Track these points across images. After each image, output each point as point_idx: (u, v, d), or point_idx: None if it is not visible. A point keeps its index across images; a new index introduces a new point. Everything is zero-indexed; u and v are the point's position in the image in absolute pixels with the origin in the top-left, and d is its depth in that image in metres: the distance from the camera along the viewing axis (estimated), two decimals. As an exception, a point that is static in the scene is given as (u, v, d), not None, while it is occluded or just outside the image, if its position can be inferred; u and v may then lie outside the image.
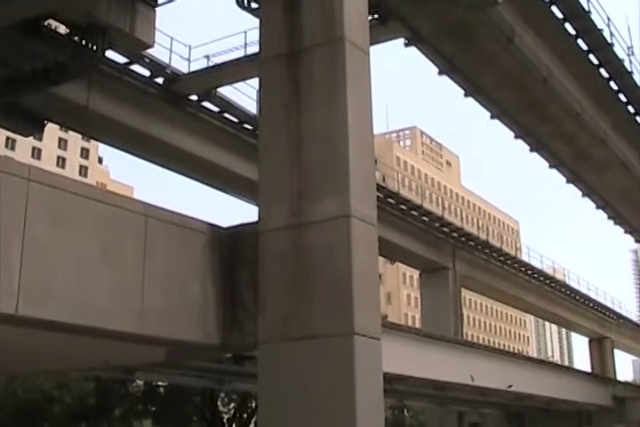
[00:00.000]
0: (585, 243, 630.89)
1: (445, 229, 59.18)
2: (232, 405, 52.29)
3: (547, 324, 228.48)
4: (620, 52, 41.74)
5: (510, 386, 45.72)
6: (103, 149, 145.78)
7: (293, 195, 19.29)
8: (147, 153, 39.43)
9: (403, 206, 54.39)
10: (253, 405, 47.35)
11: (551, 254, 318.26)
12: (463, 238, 61.14)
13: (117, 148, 39.00)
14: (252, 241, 19.55)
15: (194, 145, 38.49)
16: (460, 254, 60.90)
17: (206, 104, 38.03)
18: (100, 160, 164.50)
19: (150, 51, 32.52)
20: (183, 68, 36.27)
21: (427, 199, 68.72)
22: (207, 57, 36.51)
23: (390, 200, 52.62)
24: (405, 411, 69.26)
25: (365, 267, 18.73)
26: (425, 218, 56.84)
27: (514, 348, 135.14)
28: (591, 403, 57.95)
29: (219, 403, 51.72)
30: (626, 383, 74.46)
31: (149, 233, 17.85)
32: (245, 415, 50.84)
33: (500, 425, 59.98)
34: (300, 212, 19.07)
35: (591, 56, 40.07)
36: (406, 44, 34.40)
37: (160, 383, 48.31)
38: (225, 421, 52.23)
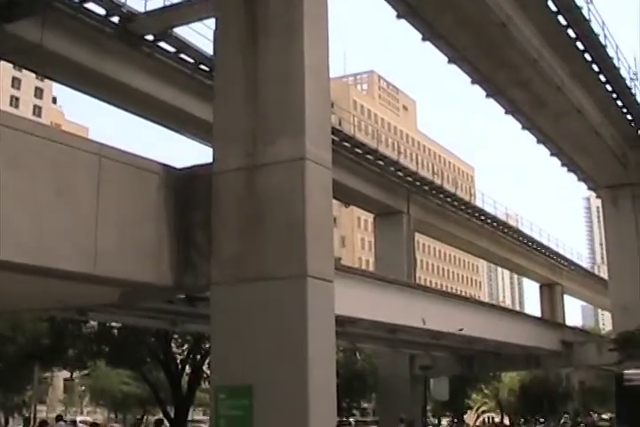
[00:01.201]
0: (539, 191, 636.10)
1: (400, 174, 59.32)
2: (186, 346, 52.38)
3: (499, 269, 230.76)
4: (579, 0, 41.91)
5: (461, 330, 46.32)
6: (58, 89, 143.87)
7: (248, 136, 19.24)
8: (102, 93, 39.06)
9: (358, 150, 54.36)
10: (207, 346, 47.53)
11: (505, 201, 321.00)
12: (418, 183, 61.34)
13: (72, 87, 38.60)
14: (207, 182, 19.52)
15: (150, 85, 38.16)
16: (415, 199, 61.17)
17: (162, 44, 37.67)
18: (55, 100, 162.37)
19: (106, -11, 32.11)
20: (139, 7, 35.87)
21: (382, 143, 68.70)
22: (164, -4, 36.07)
23: (346, 144, 52.56)
24: (357, 354, 69.93)
25: (319, 210, 18.81)
26: (380, 162, 56.88)
27: (466, 292, 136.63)
28: (540, 347, 58.82)
29: (172, 344, 51.84)
30: (574, 328, 75.63)
31: (103, 174, 17.74)
32: (199, 357, 50.96)
33: (451, 368, 60.75)
34: (254, 153, 19.05)
35: (550, 3, 40.12)
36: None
37: (114, 324, 48.35)
38: (178, 362, 52.46)
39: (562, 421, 76.24)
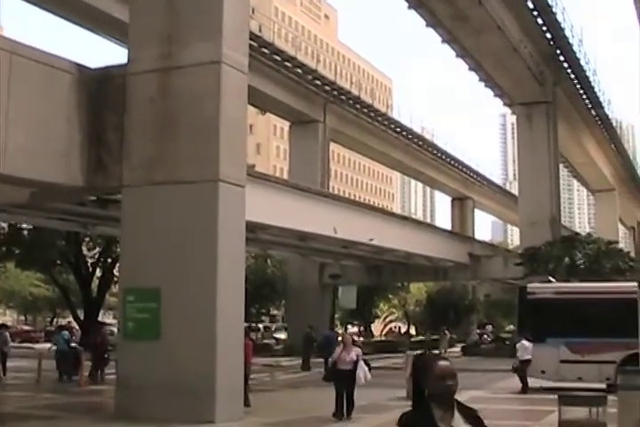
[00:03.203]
0: (456, 107, 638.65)
1: (318, 83, 58.96)
2: (97, 249, 52.24)
3: (412, 182, 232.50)
4: None
5: (372, 240, 46.81)
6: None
7: (164, 38, 18.97)
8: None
9: (277, 57, 53.80)
10: (118, 249, 47.38)
11: (422, 115, 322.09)
12: (335, 93, 61.07)
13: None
14: (120, 83, 19.26)
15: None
16: (331, 108, 60.98)
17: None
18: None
19: None
20: None
21: (302, 51, 68.06)
22: None
23: (265, 50, 51.96)
24: (268, 261, 70.33)
25: (234, 114, 18.73)
26: (298, 70, 56.42)
27: (379, 204, 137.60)
28: (448, 259, 59.85)
29: (83, 247, 51.65)
30: (483, 242, 76.85)
31: (15, 72, 17.39)
32: (110, 260, 50.91)
33: (360, 278, 61.53)
34: (169, 55, 18.81)
35: None
36: None
37: (24, 226, 47.89)
38: (89, 265, 52.32)
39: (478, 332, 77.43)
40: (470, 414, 4.95)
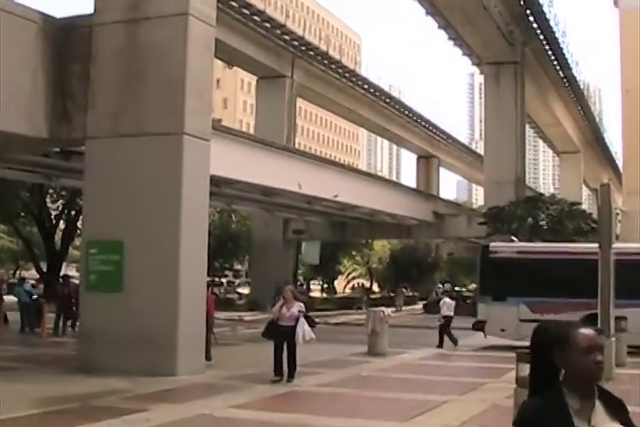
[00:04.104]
0: (425, 66, 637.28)
1: (286, 38, 58.61)
2: (60, 201, 51.93)
3: (378, 139, 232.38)
4: None
5: (336, 196, 46.87)
6: None
7: (131, -12, 18.74)
8: None
9: (245, 11, 53.36)
10: (82, 202, 47.10)
11: (390, 73, 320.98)
12: (304, 48, 60.76)
13: None
14: (86, 34, 19.03)
15: None
16: (299, 64, 60.70)
17: None
18: None
19: None
20: None
21: (271, 6, 67.49)
22: None
23: (233, 3, 51.50)
24: (232, 216, 70.32)
25: (200, 67, 18.59)
26: (267, 24, 56.01)
27: (345, 160, 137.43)
28: (413, 217, 60.04)
29: (47, 199, 51.33)
30: (447, 201, 77.13)
31: (-22, 19, 17.15)
32: (74, 212, 50.63)
33: (324, 234, 61.71)
34: (137, 6, 18.59)
35: None
36: None
37: (-13, 177, 47.58)
38: (53, 217, 52.03)
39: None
40: (617, 406, 3.67)
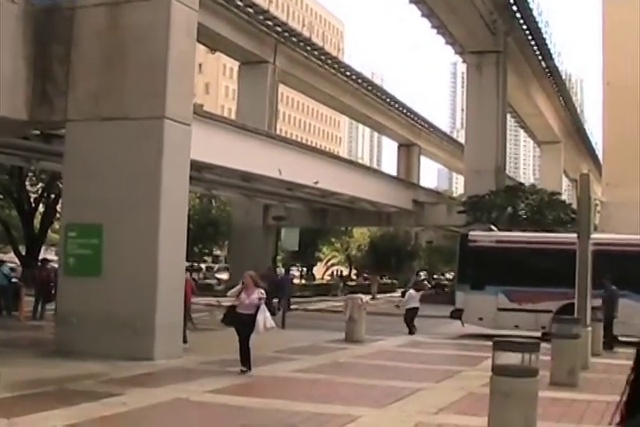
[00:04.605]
0: (408, 55, 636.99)
1: (269, 23, 58.45)
2: (40, 184, 51.73)
3: (360, 126, 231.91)
4: None
5: (316, 182, 46.87)
6: None
7: (114, -29, 18.64)
8: None
9: (228, -5, 53.25)
10: (61, 185, 46.79)
11: (372, 60, 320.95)
12: (286, 34, 60.64)
13: None
14: (68, 16, 18.92)
15: None
16: (282, 50, 60.57)
17: None
18: None
19: None
20: None
21: (254, -9, 67.33)
22: None
23: (216, -12, 51.36)
24: (213, 201, 70.21)
25: (182, 51, 18.53)
26: (250, 9, 55.83)
27: (326, 147, 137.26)
28: (393, 205, 60.11)
29: (26, 182, 51.11)
30: (427, 189, 77.21)
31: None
32: (53, 196, 50.44)
33: (304, 220, 61.67)
34: (119, -11, 18.52)
35: None
36: None
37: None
38: (32, 200, 51.81)
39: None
40: None
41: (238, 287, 16.38)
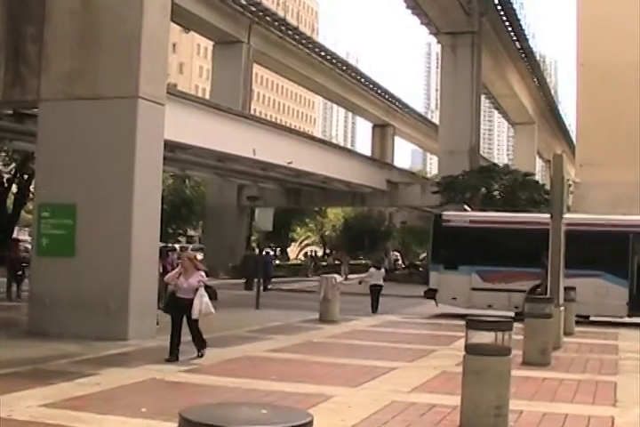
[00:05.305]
0: (384, 35, 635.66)
1: (244, 2, 58.18)
2: (13, 165, 51.49)
3: (334, 107, 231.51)
4: None
5: (290, 162, 46.87)
6: None
7: (86, -51, 18.46)
8: None
9: (203, -25, 52.98)
10: (35, 165, 46.54)
11: (348, 41, 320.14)
12: (261, 13, 60.40)
13: None
14: (41, -6, 18.77)
15: None
16: (256, 30, 60.36)
17: None
18: None
19: None
20: None
21: (228, -30, 66.98)
22: None
23: (190, -33, 51.07)
24: (187, 181, 70.06)
25: (156, 30, 18.41)
26: (224, -11, 55.64)
27: (300, 127, 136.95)
28: (367, 185, 60.19)
29: (-1, 162, 50.95)
30: (402, 170, 77.30)
31: None
32: (26, 176, 50.22)
33: (278, 200, 61.69)
34: (92, -33, 18.35)
35: None
36: None
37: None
38: (5, 181, 51.57)
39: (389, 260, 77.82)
40: None
41: (177, 270, 15.46)
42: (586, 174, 48.11)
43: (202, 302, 14.70)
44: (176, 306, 15.04)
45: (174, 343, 14.79)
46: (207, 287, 15.22)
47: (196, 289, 14.79)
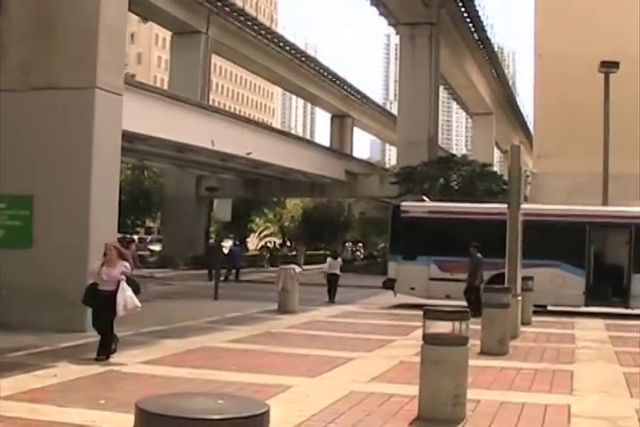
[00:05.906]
0: (343, 26, 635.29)
1: (202, -8, 57.99)
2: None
3: (293, 97, 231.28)
4: None
5: (249, 153, 46.83)
6: None
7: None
8: None
9: (160, -36, 52.66)
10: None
11: (306, 31, 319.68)
12: (219, 3, 60.13)
13: None
14: (-5, -17, 18.56)
15: None
16: (215, 20, 60.08)
17: None
18: None
19: None
20: None
21: (187, -41, 66.63)
22: None
23: (148, -44, 50.76)
24: (145, 172, 69.74)
25: (114, 19, 18.28)
26: (182, -22, 55.38)
27: (259, 118, 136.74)
28: (326, 176, 60.30)
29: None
30: (361, 161, 77.44)
31: None
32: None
33: (237, 191, 61.61)
34: (48, -45, 18.19)
35: None
36: None
37: None
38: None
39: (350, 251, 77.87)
40: None
41: (100, 261, 14.13)
42: (543, 165, 48.39)
43: (125, 296, 13.38)
44: (97, 300, 13.75)
45: (104, 341, 13.75)
46: (130, 280, 13.72)
47: (119, 281, 13.51)
